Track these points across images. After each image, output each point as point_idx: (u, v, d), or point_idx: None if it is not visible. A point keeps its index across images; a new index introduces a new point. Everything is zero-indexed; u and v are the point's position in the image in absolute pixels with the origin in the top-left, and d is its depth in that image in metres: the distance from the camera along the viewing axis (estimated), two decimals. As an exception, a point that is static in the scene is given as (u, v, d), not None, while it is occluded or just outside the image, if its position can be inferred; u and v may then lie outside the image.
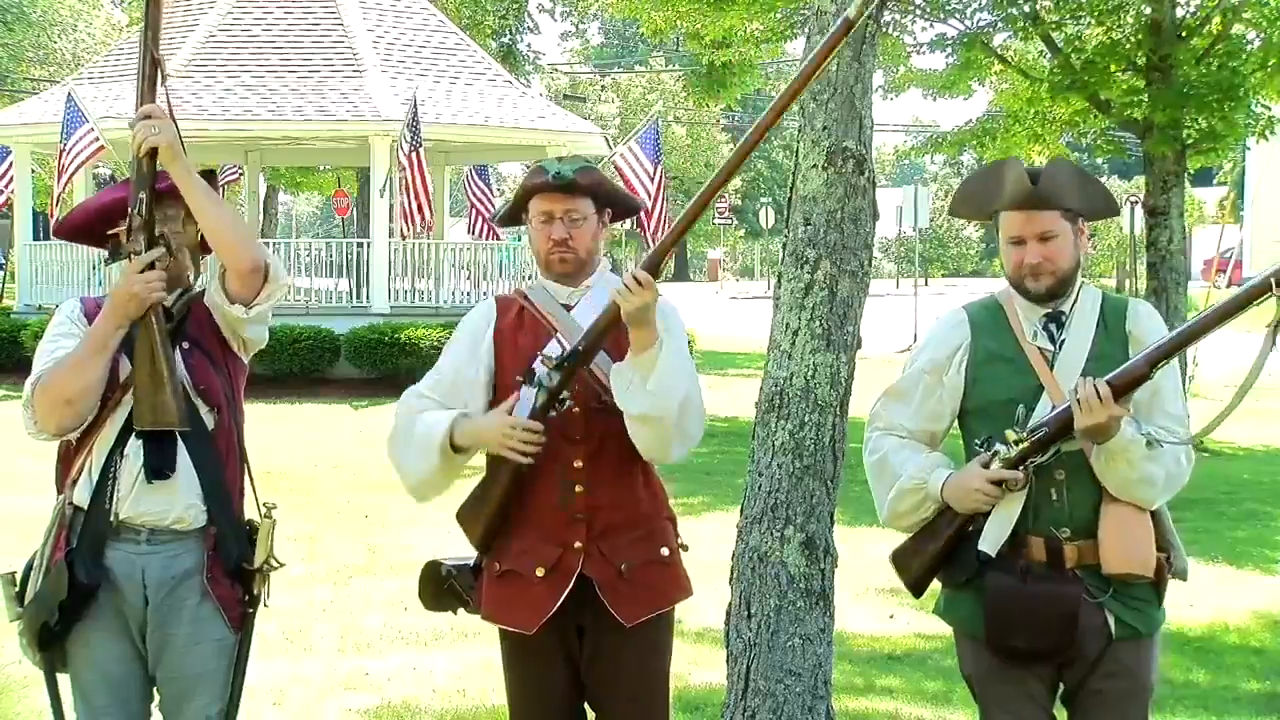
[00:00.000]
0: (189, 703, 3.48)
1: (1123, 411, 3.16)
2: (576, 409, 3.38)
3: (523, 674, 3.51)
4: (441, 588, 3.58)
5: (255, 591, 3.50)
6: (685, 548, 3.59)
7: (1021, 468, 3.23)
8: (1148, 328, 3.36)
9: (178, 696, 3.49)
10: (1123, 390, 3.16)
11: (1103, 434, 3.16)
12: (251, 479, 3.61)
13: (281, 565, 3.53)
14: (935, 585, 3.51)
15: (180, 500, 3.41)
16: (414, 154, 17.55)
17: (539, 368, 3.34)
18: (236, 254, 3.41)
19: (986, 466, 3.28)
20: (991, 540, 3.28)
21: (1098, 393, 3.13)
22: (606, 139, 24.34)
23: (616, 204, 3.62)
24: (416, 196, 17.73)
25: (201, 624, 3.45)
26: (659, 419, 3.30)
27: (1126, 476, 3.21)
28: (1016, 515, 3.27)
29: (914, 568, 3.46)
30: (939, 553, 3.39)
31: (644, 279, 3.23)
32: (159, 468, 3.36)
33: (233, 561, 3.47)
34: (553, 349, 3.41)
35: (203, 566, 3.43)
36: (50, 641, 3.43)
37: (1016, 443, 3.23)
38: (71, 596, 3.35)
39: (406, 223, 18.32)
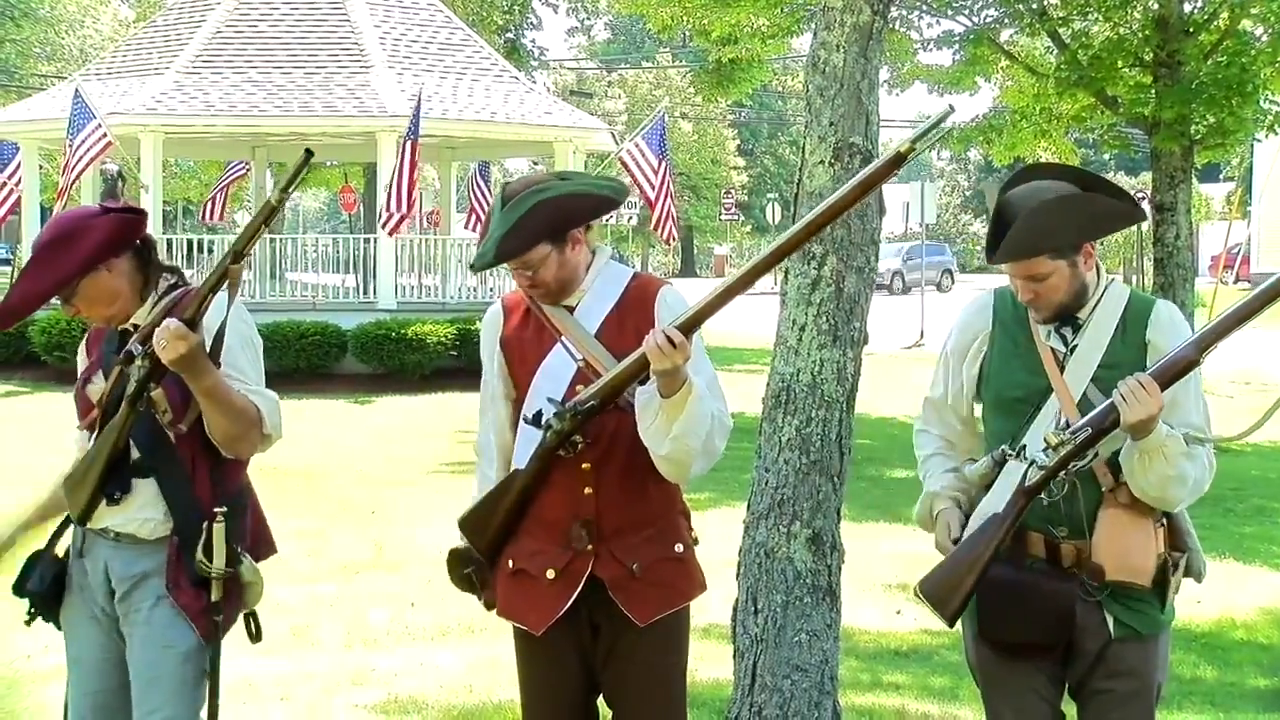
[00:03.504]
0: (140, 706, 3.45)
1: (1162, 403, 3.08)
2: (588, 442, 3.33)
3: (534, 670, 3.50)
4: (464, 572, 3.57)
5: (214, 598, 3.41)
6: (697, 541, 3.54)
7: (1064, 473, 3.15)
8: (1169, 335, 3.27)
9: (136, 696, 3.46)
10: (1172, 379, 3.08)
11: (1147, 429, 3.08)
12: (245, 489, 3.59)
13: (229, 573, 3.40)
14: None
15: (137, 515, 3.43)
16: (406, 144, 17.36)
17: (547, 413, 3.29)
18: (234, 451, 3.45)
19: (997, 467, 3.27)
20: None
21: (1143, 385, 3.04)
22: (613, 134, 24.32)
23: (575, 218, 3.38)
24: (400, 188, 17.53)
25: (156, 627, 3.42)
26: (683, 458, 3.28)
27: (1163, 474, 3.13)
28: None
29: (954, 602, 3.28)
30: (976, 583, 3.25)
31: (678, 340, 3.13)
32: (110, 493, 3.43)
33: (197, 571, 3.42)
34: (560, 359, 3.38)
35: (163, 571, 3.42)
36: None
37: (1056, 446, 3.13)
38: (30, 588, 3.52)
39: (387, 214, 17.80)
